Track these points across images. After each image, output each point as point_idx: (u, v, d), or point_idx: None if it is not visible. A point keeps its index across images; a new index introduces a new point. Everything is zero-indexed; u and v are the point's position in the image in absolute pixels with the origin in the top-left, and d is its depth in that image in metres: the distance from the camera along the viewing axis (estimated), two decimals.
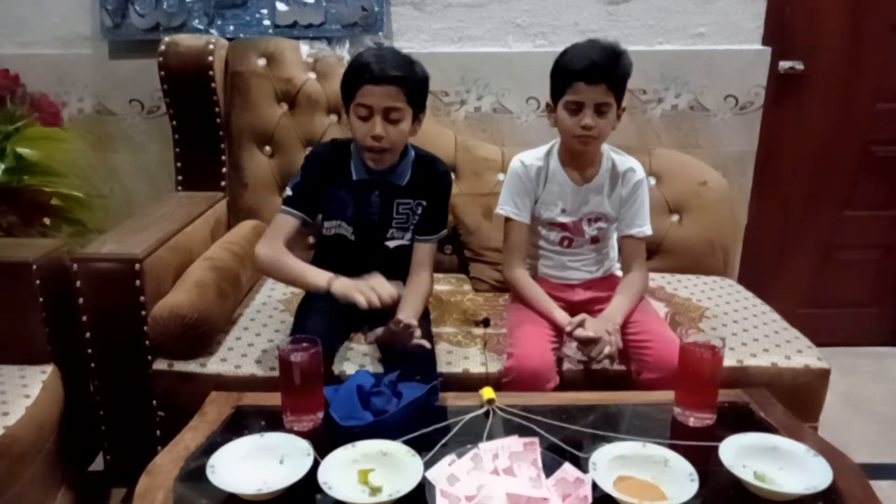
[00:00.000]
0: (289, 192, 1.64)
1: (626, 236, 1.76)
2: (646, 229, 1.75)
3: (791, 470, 1.15)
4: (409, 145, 1.68)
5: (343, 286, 1.49)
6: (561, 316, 1.65)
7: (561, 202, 1.73)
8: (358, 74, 1.51)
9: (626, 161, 1.75)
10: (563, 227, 1.75)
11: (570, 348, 1.66)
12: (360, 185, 1.64)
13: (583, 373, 1.66)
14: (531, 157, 1.75)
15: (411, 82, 1.53)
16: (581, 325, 1.59)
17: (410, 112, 1.56)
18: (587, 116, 1.59)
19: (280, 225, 1.62)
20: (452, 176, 2.20)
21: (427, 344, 1.40)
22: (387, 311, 1.56)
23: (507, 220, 1.75)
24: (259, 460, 1.17)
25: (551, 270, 1.80)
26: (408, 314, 1.50)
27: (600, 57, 1.57)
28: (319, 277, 1.54)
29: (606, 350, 1.55)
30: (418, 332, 1.41)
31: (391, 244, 1.69)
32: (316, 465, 1.14)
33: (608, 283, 1.80)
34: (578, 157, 1.70)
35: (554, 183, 1.73)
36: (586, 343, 1.57)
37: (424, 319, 1.66)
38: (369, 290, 1.46)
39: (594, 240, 1.77)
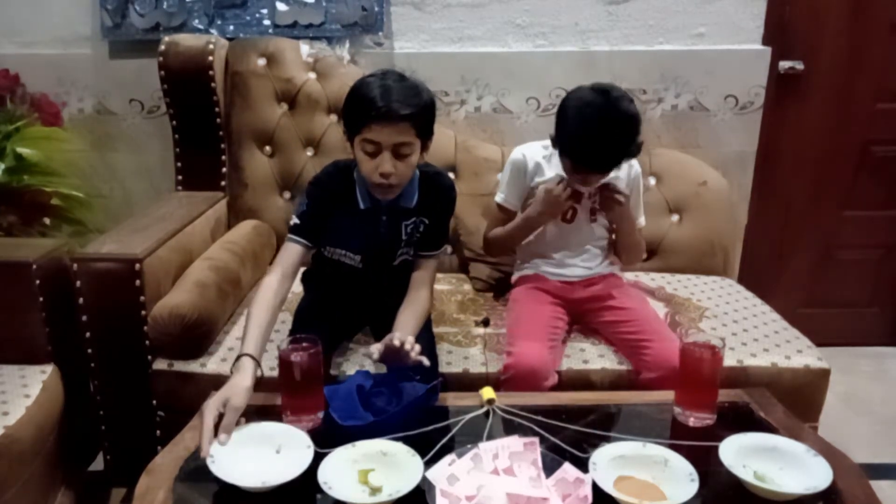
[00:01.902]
0: (295, 220, 1.55)
1: None
2: (642, 220, 1.82)
3: (791, 470, 1.15)
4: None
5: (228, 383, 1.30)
6: (526, 213, 1.74)
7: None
8: (363, 110, 1.40)
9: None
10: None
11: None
12: (368, 212, 1.56)
13: (583, 373, 1.66)
14: (533, 150, 1.77)
15: (420, 116, 1.42)
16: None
17: (419, 143, 1.46)
18: (579, 183, 1.64)
19: (286, 254, 1.54)
20: (452, 176, 2.21)
21: (426, 361, 1.37)
22: (385, 317, 1.57)
23: (500, 205, 1.81)
24: (257, 451, 1.18)
25: (552, 268, 1.80)
26: (404, 333, 1.42)
27: (600, 151, 1.56)
28: (242, 345, 1.36)
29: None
30: (417, 349, 1.37)
31: (397, 261, 1.65)
32: (315, 462, 1.14)
33: (608, 283, 1.79)
34: None
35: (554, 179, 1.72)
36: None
37: (427, 332, 1.63)
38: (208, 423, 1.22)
39: (592, 215, 1.77)
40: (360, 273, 1.65)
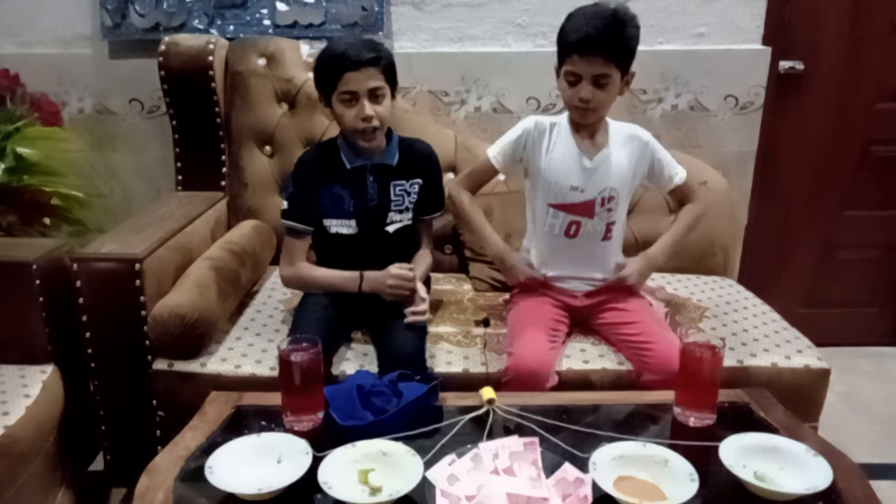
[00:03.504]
0: (284, 204, 1.70)
1: (673, 189, 1.77)
2: (682, 173, 1.75)
3: (791, 470, 1.15)
4: (391, 130, 1.74)
5: (371, 284, 1.65)
6: (497, 249, 1.74)
7: (571, 178, 1.67)
8: (336, 64, 1.58)
9: (628, 129, 1.72)
10: (570, 209, 1.69)
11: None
12: (354, 172, 1.69)
13: (583, 373, 1.66)
14: (546, 120, 1.72)
15: (385, 60, 1.61)
16: None
17: (389, 89, 1.63)
18: (583, 90, 1.56)
19: (292, 246, 1.72)
20: (452, 176, 2.22)
21: (420, 318, 1.60)
22: (382, 314, 1.67)
23: (487, 160, 1.74)
24: (257, 460, 1.17)
25: (556, 274, 1.76)
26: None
27: (597, 28, 1.52)
28: (349, 282, 1.67)
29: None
30: (421, 290, 1.63)
31: (391, 228, 1.73)
32: (314, 462, 1.14)
33: (614, 289, 1.75)
34: (586, 126, 1.67)
35: (562, 154, 1.67)
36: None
37: (421, 329, 1.68)
38: (395, 284, 1.62)
39: (608, 232, 1.71)
40: (357, 241, 1.71)
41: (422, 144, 1.80)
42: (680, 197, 1.80)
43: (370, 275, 1.65)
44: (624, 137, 1.71)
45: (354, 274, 1.67)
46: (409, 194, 1.74)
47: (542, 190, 1.71)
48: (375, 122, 1.61)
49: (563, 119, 1.71)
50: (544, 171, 1.69)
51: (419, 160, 1.76)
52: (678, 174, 1.75)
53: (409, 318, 1.61)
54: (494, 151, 1.74)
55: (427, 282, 1.85)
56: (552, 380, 1.58)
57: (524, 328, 1.66)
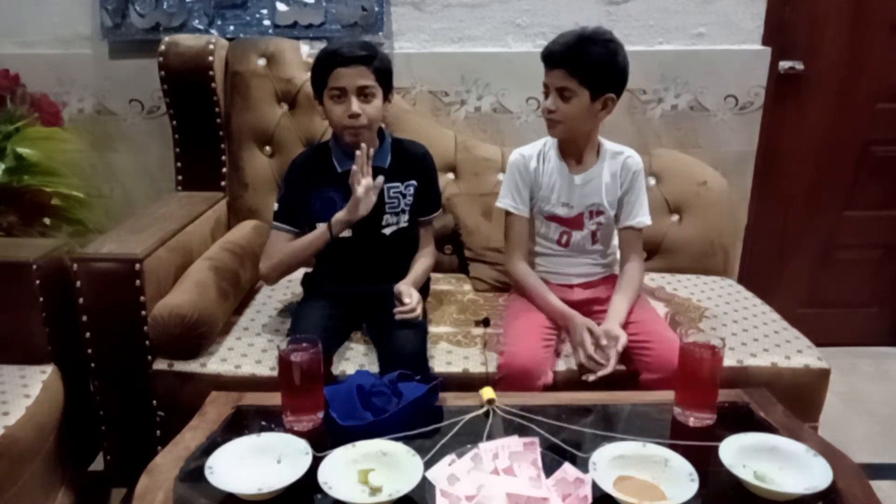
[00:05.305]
0: (276, 206, 1.72)
1: (626, 227, 1.76)
2: (646, 219, 1.76)
3: (791, 470, 1.15)
4: (385, 131, 1.75)
5: (341, 219, 1.63)
6: (561, 309, 1.68)
7: (560, 194, 1.72)
8: (328, 61, 1.60)
9: (622, 151, 1.75)
10: (561, 221, 1.74)
11: (567, 349, 1.68)
12: (346, 175, 1.66)
13: (581, 372, 1.66)
14: (529, 148, 1.77)
15: (378, 61, 1.63)
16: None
17: (381, 91, 1.64)
18: (549, 100, 1.63)
19: (274, 241, 1.72)
20: (452, 176, 2.22)
21: (407, 316, 1.58)
22: (381, 313, 1.64)
23: (508, 213, 1.77)
24: (257, 460, 1.17)
25: (550, 268, 1.79)
26: (407, 282, 1.66)
27: (559, 44, 1.60)
28: (320, 235, 1.65)
29: (606, 371, 1.55)
30: (406, 288, 1.62)
31: (387, 231, 1.73)
32: (314, 463, 1.14)
33: (609, 284, 1.78)
34: (571, 146, 1.71)
35: (553, 173, 1.72)
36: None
37: (422, 331, 1.69)
38: (359, 193, 1.59)
39: (594, 238, 1.76)
40: (353, 244, 1.70)
41: (415, 145, 1.80)
42: (629, 241, 1.76)
43: (338, 216, 1.64)
44: (615, 156, 1.74)
45: (322, 226, 1.65)
46: (404, 196, 1.73)
47: (537, 202, 1.76)
48: (363, 121, 1.61)
49: (548, 140, 1.75)
50: (538, 188, 1.74)
51: (413, 161, 1.76)
52: (644, 217, 1.75)
53: (398, 317, 1.59)
54: (505, 201, 1.76)
55: (427, 282, 1.84)
56: (546, 378, 1.58)
57: (518, 326, 1.67)
